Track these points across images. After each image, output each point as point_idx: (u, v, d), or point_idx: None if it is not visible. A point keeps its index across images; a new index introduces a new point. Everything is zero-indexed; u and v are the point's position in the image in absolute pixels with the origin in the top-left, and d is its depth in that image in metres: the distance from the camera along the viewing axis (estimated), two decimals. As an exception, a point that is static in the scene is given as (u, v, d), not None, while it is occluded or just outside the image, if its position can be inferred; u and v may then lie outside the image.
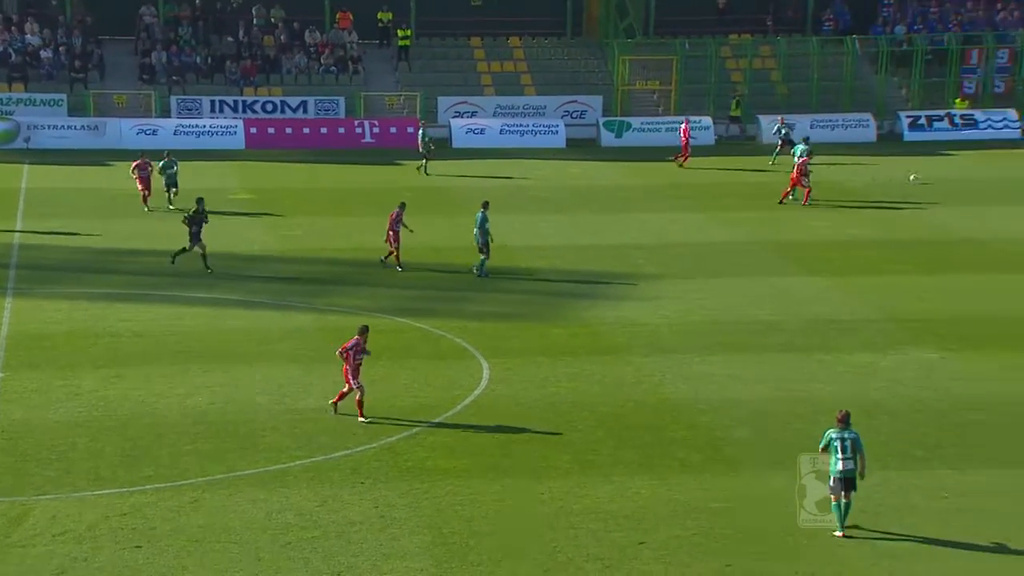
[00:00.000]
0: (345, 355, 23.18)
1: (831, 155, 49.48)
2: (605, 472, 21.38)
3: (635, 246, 36.80)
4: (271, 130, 52.63)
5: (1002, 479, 21.01)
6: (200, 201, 34.02)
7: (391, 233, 33.47)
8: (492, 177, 46.73)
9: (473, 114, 54.87)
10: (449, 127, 53.84)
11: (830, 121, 54.99)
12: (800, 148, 42.61)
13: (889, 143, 54.18)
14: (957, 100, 56.30)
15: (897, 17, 59.79)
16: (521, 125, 54.24)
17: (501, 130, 53.83)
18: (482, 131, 53.76)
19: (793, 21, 60.94)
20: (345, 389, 23.42)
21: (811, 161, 42.02)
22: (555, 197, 43.77)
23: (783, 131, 49.09)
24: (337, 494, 20.35)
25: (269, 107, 53.79)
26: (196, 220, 33.28)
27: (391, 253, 33.61)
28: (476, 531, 19.26)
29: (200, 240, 33.14)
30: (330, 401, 23.74)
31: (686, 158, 48.78)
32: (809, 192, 41.58)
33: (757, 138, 54.20)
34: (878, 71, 57.88)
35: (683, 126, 49.51)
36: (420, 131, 48.01)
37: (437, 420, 23.45)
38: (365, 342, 23.34)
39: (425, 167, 46.96)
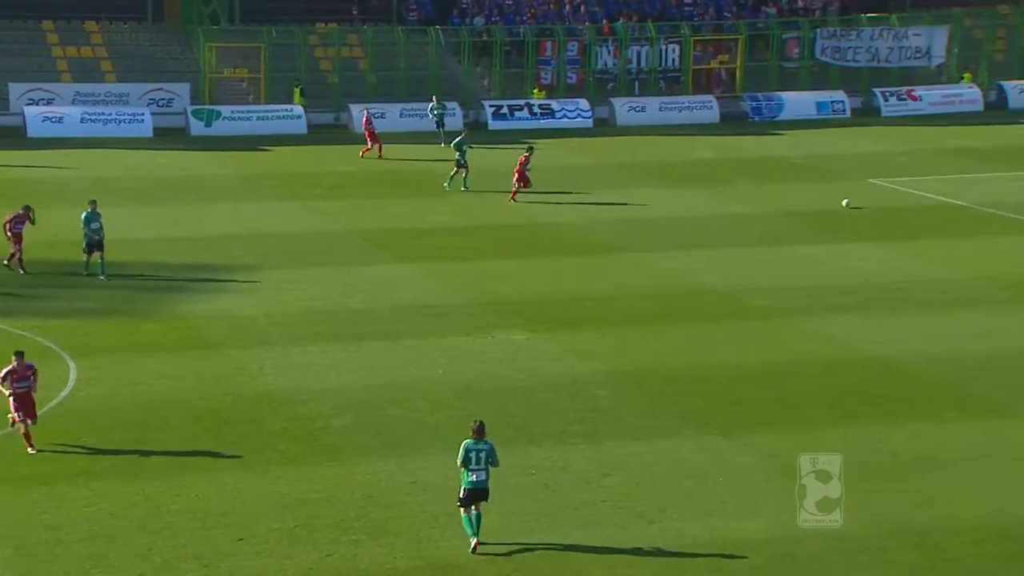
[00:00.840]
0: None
1: (418, 143, 50.48)
2: (202, 469, 21.03)
3: (230, 237, 36.32)
4: None
5: (575, 453, 22.04)
6: None
7: (10, 235, 31.82)
8: (73, 168, 44.87)
9: (50, 101, 52.48)
10: (23, 115, 51.22)
11: (418, 110, 55.88)
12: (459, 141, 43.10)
13: (477, 131, 55.56)
14: (535, 90, 58.60)
15: (475, 9, 61.58)
16: (104, 114, 52.33)
17: (82, 119, 51.73)
18: (60, 119, 51.50)
19: (379, 11, 61.65)
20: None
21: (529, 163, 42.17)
22: (143, 188, 42.57)
23: (436, 112, 50.54)
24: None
25: None
26: None
27: (13, 255, 31.98)
28: (63, 539, 18.53)
29: None
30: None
31: (372, 149, 48.39)
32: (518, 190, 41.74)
33: (349, 127, 54.50)
34: (461, 61, 59.47)
35: (363, 118, 49.14)
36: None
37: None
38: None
39: None
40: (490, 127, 56.19)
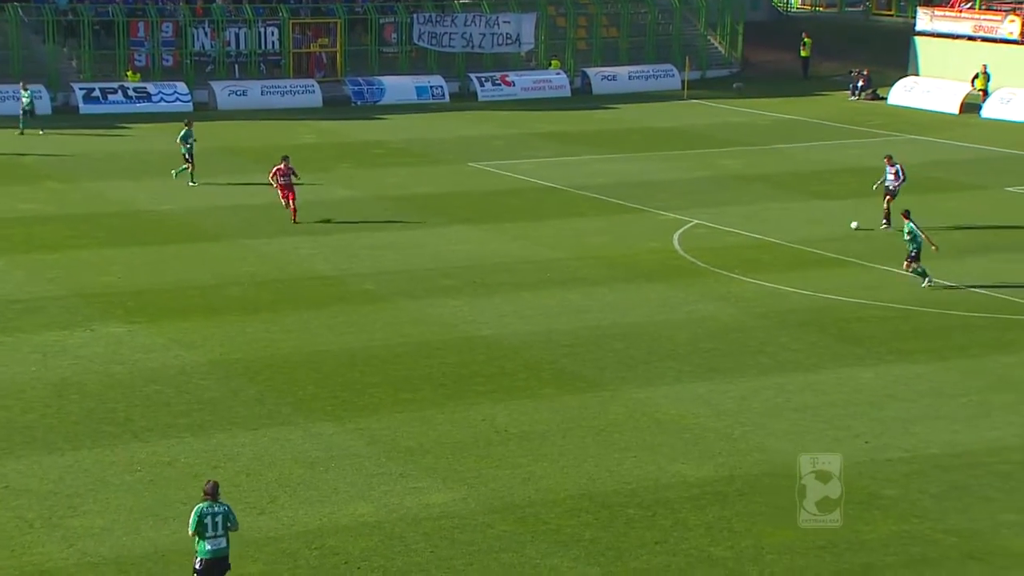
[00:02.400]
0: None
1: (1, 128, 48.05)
2: None
3: None
4: None
5: (182, 447, 21.64)
6: None
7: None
8: None
9: None
10: None
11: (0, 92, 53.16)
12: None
13: (65, 115, 53.40)
14: (129, 72, 56.75)
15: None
16: None
17: None
18: None
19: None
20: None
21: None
22: None
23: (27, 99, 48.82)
24: None
25: None
26: None
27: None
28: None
29: None
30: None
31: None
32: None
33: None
34: (46, 41, 56.78)
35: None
36: None
37: None
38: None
39: None
40: (82, 111, 54.12)
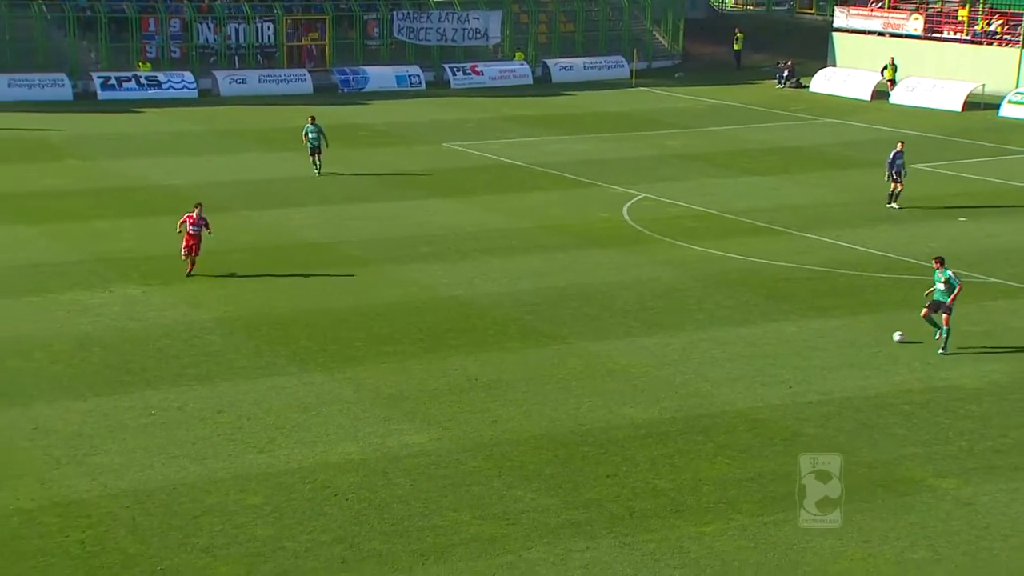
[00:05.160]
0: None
1: (30, 112, 47.42)
2: None
3: None
4: None
5: (190, 394, 21.53)
6: None
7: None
8: None
9: None
10: None
11: (27, 80, 52.56)
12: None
13: (85, 101, 52.92)
14: (141, 63, 56.15)
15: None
16: None
17: None
18: None
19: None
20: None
21: None
22: None
23: None
24: None
25: None
26: None
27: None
28: None
29: None
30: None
31: None
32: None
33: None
34: (67, 35, 56.09)
35: None
36: None
37: None
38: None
39: None
40: (100, 97, 53.60)
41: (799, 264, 30.07)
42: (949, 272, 23.91)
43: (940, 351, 23.82)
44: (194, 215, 27.94)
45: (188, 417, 20.37)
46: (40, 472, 18.18)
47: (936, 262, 24.21)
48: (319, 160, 38.67)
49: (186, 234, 27.89)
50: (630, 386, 22.17)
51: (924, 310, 24.19)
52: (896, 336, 24.49)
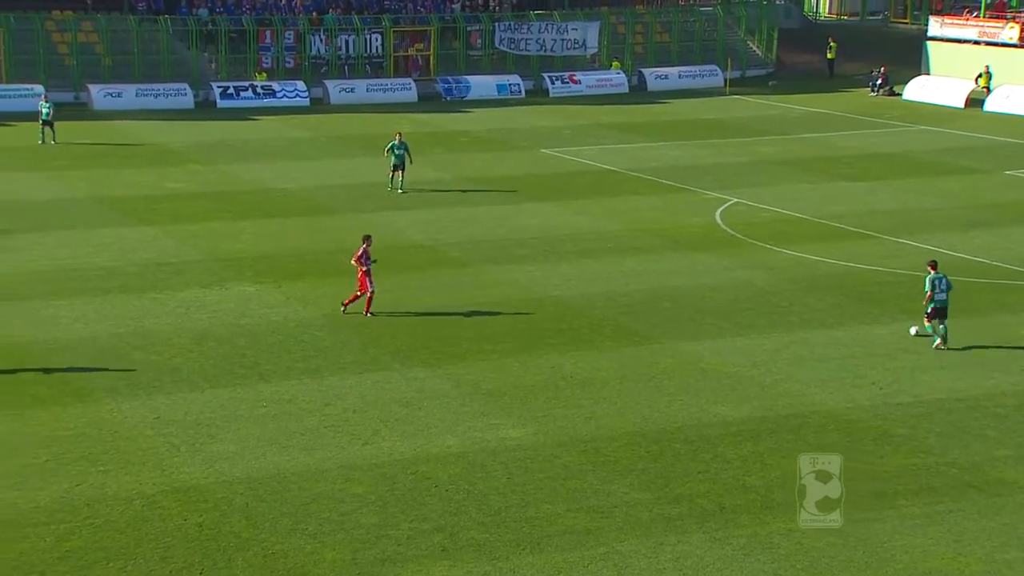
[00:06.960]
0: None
1: (154, 120, 48.54)
2: (-40, 415, 19.71)
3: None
4: None
5: (300, 387, 21.82)
6: None
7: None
8: None
9: None
10: None
11: (152, 90, 53.85)
12: None
13: (205, 109, 54.05)
14: (258, 73, 57.17)
15: (200, 1, 59.47)
16: None
17: None
18: None
19: (111, 1, 58.60)
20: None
21: None
22: None
23: None
24: None
25: None
26: None
27: None
28: None
29: None
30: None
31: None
32: None
33: (88, 104, 51.99)
34: (190, 47, 57.35)
35: None
36: None
37: None
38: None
39: None
40: (219, 106, 54.68)
41: (890, 268, 29.48)
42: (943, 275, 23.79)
43: (940, 348, 23.61)
44: (364, 248, 25.12)
45: (298, 409, 20.66)
46: (161, 459, 18.60)
47: (930, 266, 24.03)
48: (402, 177, 37.42)
49: (362, 272, 25.00)
50: (721, 385, 21.94)
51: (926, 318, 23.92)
52: (912, 331, 24.13)
